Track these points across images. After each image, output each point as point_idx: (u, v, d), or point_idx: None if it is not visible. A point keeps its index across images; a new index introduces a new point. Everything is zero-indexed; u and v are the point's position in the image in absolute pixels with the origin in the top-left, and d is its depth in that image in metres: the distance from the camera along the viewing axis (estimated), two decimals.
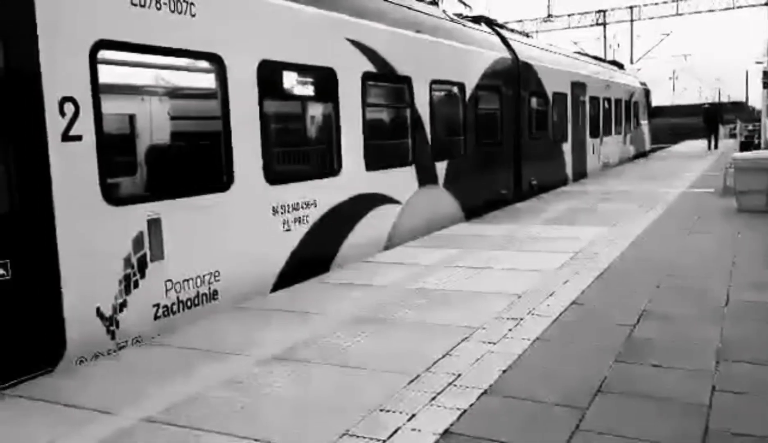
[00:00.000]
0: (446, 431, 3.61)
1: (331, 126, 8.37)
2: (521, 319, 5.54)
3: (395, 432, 3.62)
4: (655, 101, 38.32)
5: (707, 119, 30.36)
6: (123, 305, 5.44)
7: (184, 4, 6.04)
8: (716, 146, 29.90)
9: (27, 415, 4.03)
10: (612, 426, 3.59)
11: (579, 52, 25.18)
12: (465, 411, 3.86)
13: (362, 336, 5.24)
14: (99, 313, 5.26)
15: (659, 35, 50.81)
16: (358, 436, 3.58)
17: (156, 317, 5.73)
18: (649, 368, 4.41)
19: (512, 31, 17.01)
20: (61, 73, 4.99)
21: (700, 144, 34.10)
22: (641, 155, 28.61)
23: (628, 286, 6.50)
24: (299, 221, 7.57)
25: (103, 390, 4.35)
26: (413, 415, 3.83)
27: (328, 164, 8.34)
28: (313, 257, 7.79)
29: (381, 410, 3.90)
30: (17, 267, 4.65)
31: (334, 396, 4.13)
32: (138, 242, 5.57)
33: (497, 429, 3.62)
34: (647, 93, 30.98)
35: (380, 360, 4.72)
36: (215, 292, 6.34)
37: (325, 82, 8.21)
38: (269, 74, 7.14)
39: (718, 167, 19.17)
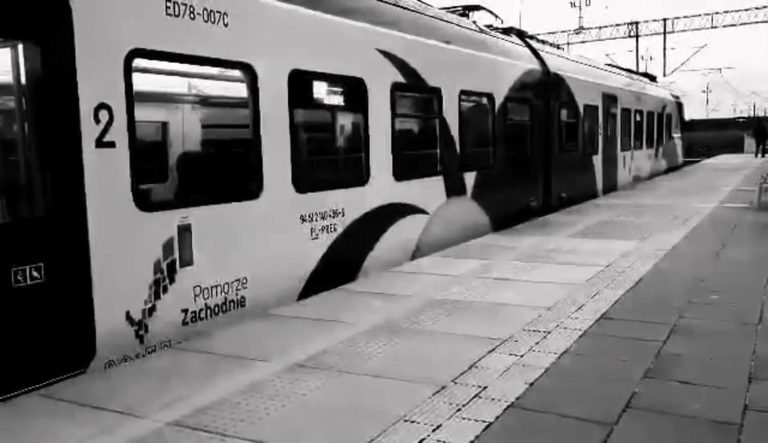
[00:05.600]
0: None
1: (360, 136, 8.41)
2: (549, 332, 5.47)
3: None
4: (689, 114, 37.93)
5: (756, 130, 36.02)
6: (152, 309, 5.51)
7: (218, 15, 6.13)
8: (763, 155, 34.25)
9: (57, 416, 4.08)
10: None
11: (611, 65, 24.97)
12: (490, 423, 3.81)
13: (388, 346, 5.23)
14: (128, 317, 5.33)
15: (693, 48, 50.21)
16: None
17: (184, 323, 5.80)
18: (679, 385, 4.33)
19: (543, 42, 16.94)
20: (96, 80, 5.09)
21: (734, 158, 33.83)
22: (673, 168, 28.22)
23: (658, 301, 6.40)
24: (327, 230, 7.60)
25: (132, 394, 4.39)
26: (438, 426, 3.79)
27: (356, 174, 8.37)
28: (340, 265, 7.81)
29: (406, 420, 3.87)
30: (51, 270, 4.74)
31: (358, 405, 4.12)
32: (168, 248, 5.65)
33: None
34: (680, 106, 30.59)
35: (405, 369, 4.70)
36: (243, 299, 6.39)
37: (355, 92, 8.26)
38: (300, 84, 7.20)
39: (753, 181, 18.82)
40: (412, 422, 3.85)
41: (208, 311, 6.03)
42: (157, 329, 5.54)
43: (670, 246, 9.26)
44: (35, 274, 4.66)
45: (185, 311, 5.81)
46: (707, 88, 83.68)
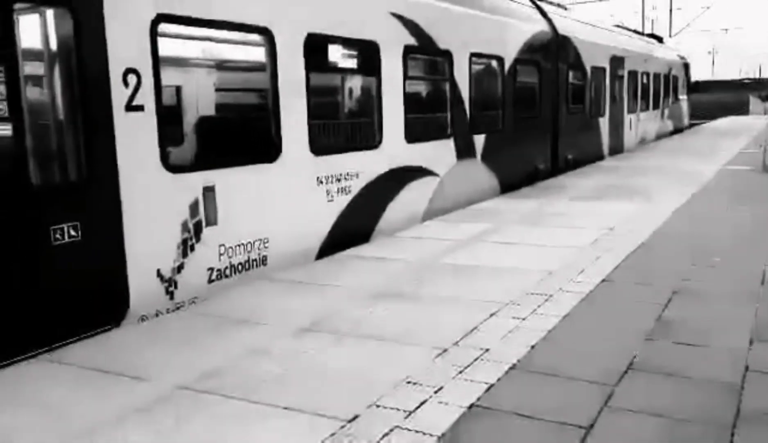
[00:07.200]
0: (473, 405, 3.61)
1: (373, 99, 8.55)
2: (551, 295, 5.49)
3: (422, 404, 3.63)
4: (695, 76, 37.65)
5: None
6: (181, 267, 5.76)
7: None
8: None
9: (67, 380, 4.10)
10: (641, 404, 3.55)
11: (618, 26, 24.81)
12: (492, 385, 3.84)
13: (391, 309, 5.26)
14: (159, 274, 5.59)
15: (700, 8, 49.62)
16: (385, 407, 3.61)
17: (210, 280, 6.05)
18: (681, 347, 4.34)
19: (551, 3, 16.88)
20: (124, 45, 5.25)
21: (740, 120, 33.68)
22: (679, 130, 28.24)
23: (661, 263, 6.42)
24: (342, 192, 7.81)
25: (140, 358, 4.43)
26: (440, 388, 3.81)
27: (369, 137, 8.54)
28: (354, 226, 8.03)
29: (408, 382, 3.90)
30: (86, 229, 4.97)
31: (362, 368, 4.15)
32: (194, 208, 5.87)
33: (524, 405, 3.60)
34: (686, 67, 30.44)
35: (409, 333, 4.73)
36: (264, 258, 6.63)
37: (369, 55, 8.37)
38: (315, 48, 7.33)
39: (757, 144, 18.90)
40: (415, 384, 3.87)
41: (232, 269, 6.28)
42: (186, 286, 5.79)
43: (674, 209, 9.33)
44: (72, 233, 4.89)
45: (211, 269, 6.06)
46: (713, 49, 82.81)
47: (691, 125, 31.50)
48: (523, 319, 4.95)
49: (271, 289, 5.99)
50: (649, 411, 3.49)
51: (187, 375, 4.10)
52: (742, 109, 44.03)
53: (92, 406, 3.73)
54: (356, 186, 8.05)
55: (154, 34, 5.49)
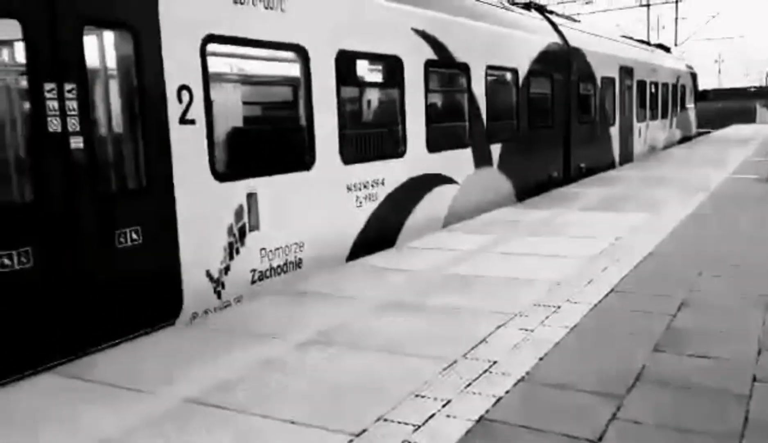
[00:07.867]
0: (481, 418, 3.59)
1: (397, 110, 9.00)
2: (559, 306, 5.47)
3: (430, 418, 3.62)
4: (701, 85, 37.93)
5: None
6: (227, 269, 6.20)
7: (276, 1, 6.70)
8: None
9: (73, 394, 4.13)
10: (650, 416, 3.54)
11: (625, 36, 25.24)
12: (501, 398, 3.82)
13: (399, 321, 5.26)
14: (209, 275, 6.03)
15: (706, 16, 49.99)
16: (392, 421, 3.60)
17: (253, 281, 6.49)
18: (689, 358, 4.34)
19: (561, 16, 17.33)
20: (178, 63, 5.71)
21: (747, 129, 33.92)
22: (687, 139, 28.61)
23: (668, 274, 6.40)
24: (370, 199, 8.25)
25: (146, 372, 4.44)
26: (448, 401, 3.80)
27: (394, 146, 8.99)
28: (381, 231, 8.47)
29: (416, 395, 3.89)
30: (146, 233, 5.42)
31: (369, 381, 4.15)
32: (239, 214, 6.32)
33: (533, 417, 3.57)
34: (694, 77, 30.81)
35: (416, 345, 4.73)
36: (300, 261, 7.07)
37: (393, 69, 8.83)
38: (345, 63, 7.79)
39: (763, 152, 19.20)
40: (422, 397, 3.87)
41: (272, 271, 6.71)
42: (232, 286, 6.23)
43: (681, 218, 9.31)
44: (134, 236, 5.34)
45: (253, 271, 6.50)
46: (719, 57, 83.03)
47: (699, 134, 31.85)
48: (531, 330, 4.94)
49: (280, 301, 6.01)
50: (657, 423, 3.48)
51: (195, 388, 4.13)
52: (748, 117, 44.34)
53: (100, 419, 3.75)
54: (382, 193, 8.49)
55: (204, 54, 5.96)
